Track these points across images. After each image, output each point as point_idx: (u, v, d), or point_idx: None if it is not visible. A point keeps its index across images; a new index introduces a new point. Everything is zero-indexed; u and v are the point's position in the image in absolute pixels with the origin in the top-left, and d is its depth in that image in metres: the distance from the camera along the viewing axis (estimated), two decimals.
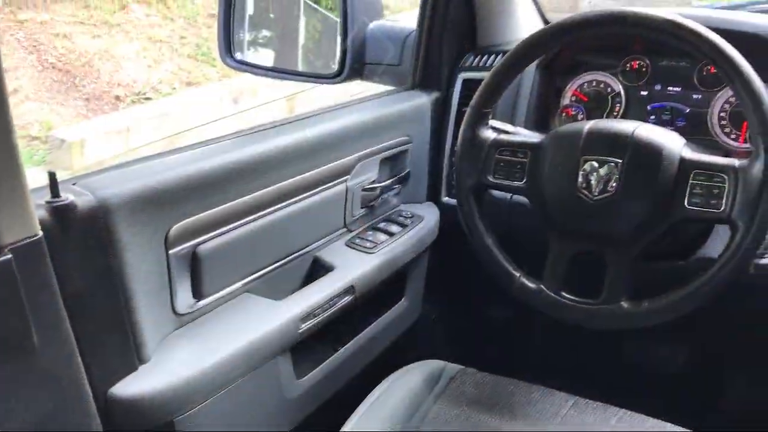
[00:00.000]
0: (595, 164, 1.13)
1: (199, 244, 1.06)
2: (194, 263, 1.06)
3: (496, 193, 1.36)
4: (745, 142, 1.35)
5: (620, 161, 1.11)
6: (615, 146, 1.13)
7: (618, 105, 1.47)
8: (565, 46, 1.45)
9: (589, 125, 1.17)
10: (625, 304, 1.11)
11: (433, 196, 1.62)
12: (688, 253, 1.31)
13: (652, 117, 1.45)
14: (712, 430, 1.58)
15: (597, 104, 1.49)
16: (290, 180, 1.20)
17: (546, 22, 1.71)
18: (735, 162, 1.06)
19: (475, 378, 1.29)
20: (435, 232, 1.56)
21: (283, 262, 1.24)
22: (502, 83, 1.22)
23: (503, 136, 1.25)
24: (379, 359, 1.47)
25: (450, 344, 1.79)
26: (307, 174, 1.24)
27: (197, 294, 1.09)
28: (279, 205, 1.20)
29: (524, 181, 1.21)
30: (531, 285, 1.19)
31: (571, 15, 1.16)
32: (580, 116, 1.50)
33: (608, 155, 1.12)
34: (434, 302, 1.70)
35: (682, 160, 1.10)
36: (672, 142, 1.12)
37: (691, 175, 1.08)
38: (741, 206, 1.03)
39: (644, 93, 1.46)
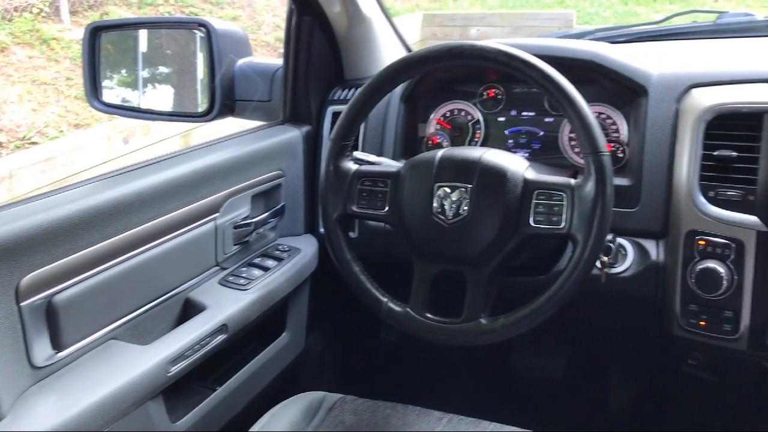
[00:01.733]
0: (448, 190, 1.19)
1: (55, 293, 1.04)
2: (51, 313, 1.04)
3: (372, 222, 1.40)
4: None
5: (470, 186, 1.17)
6: (464, 172, 1.19)
7: (478, 131, 1.55)
8: (425, 76, 1.52)
9: (440, 153, 1.23)
10: (483, 321, 1.17)
11: (311, 228, 1.64)
12: (548, 267, 1.39)
13: (510, 141, 1.53)
14: None
15: (459, 132, 1.56)
16: (153, 222, 1.20)
17: (410, 51, 1.78)
18: (571, 181, 1.14)
19: (354, 405, 1.31)
20: (314, 264, 1.58)
21: (151, 305, 1.23)
22: (358, 117, 1.27)
23: (365, 167, 1.29)
24: (262, 395, 1.47)
25: (336, 374, 1.80)
26: (173, 214, 1.24)
27: (57, 345, 1.06)
28: (143, 248, 1.19)
29: (386, 209, 1.25)
30: (398, 309, 1.22)
31: (415, 51, 1.23)
32: (444, 144, 1.57)
33: (459, 181, 1.18)
34: (319, 333, 1.71)
35: (526, 181, 1.17)
36: (516, 165, 1.19)
37: (534, 195, 1.15)
38: (578, 221, 1.11)
39: (502, 119, 1.54)
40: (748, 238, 1.20)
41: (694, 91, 1.30)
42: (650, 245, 1.33)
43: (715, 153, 1.23)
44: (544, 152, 1.49)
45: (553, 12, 8.51)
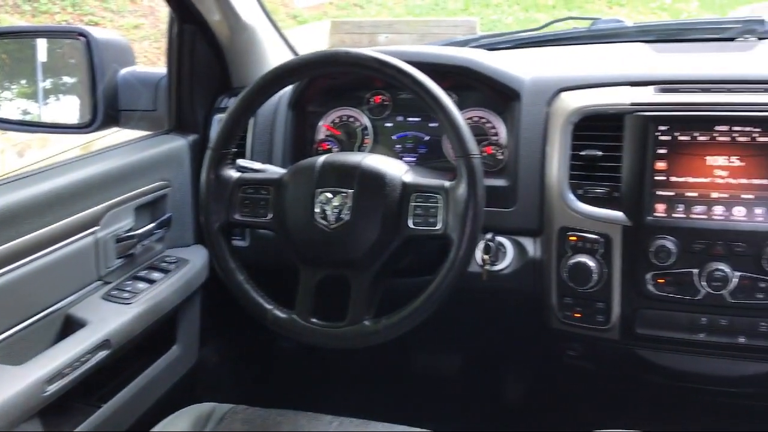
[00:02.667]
0: (329, 195, 1.20)
1: None
2: None
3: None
4: None
5: (351, 190, 1.19)
6: (345, 177, 1.20)
7: (367, 137, 1.57)
8: (312, 82, 1.53)
9: (322, 159, 1.24)
10: (367, 323, 1.18)
11: (201, 239, 1.62)
12: (435, 267, 1.42)
13: (398, 146, 1.56)
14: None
15: (348, 138, 1.58)
16: (27, 237, 1.16)
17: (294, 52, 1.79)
18: (445, 183, 1.17)
19: (244, 415, 1.30)
20: (204, 274, 1.56)
21: (27, 323, 1.19)
22: (237, 125, 1.26)
23: (247, 175, 1.29)
24: (153, 410, 1.44)
25: (233, 385, 1.78)
26: (48, 228, 1.20)
27: None
28: (15, 264, 1.14)
29: (269, 216, 1.25)
30: (283, 316, 1.23)
31: (290, 59, 1.24)
32: (334, 150, 1.58)
33: (340, 186, 1.20)
34: (214, 344, 1.69)
35: (404, 185, 1.20)
36: (394, 169, 1.21)
37: (412, 198, 1.18)
38: (453, 222, 1.14)
39: (389, 124, 1.57)
40: (615, 232, 1.26)
41: (563, 94, 1.37)
42: (528, 242, 1.39)
43: (583, 153, 1.30)
44: (431, 156, 1.53)
45: (458, 19, 8.69)
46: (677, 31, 1.78)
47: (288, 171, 1.27)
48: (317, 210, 1.20)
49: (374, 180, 1.20)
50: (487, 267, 1.35)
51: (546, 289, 1.36)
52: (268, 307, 1.24)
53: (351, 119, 1.58)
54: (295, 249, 1.23)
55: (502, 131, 1.47)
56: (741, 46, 1.60)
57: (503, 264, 1.38)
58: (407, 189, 1.19)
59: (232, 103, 1.61)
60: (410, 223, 1.18)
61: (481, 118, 1.49)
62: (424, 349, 1.83)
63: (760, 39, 1.62)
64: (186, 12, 1.52)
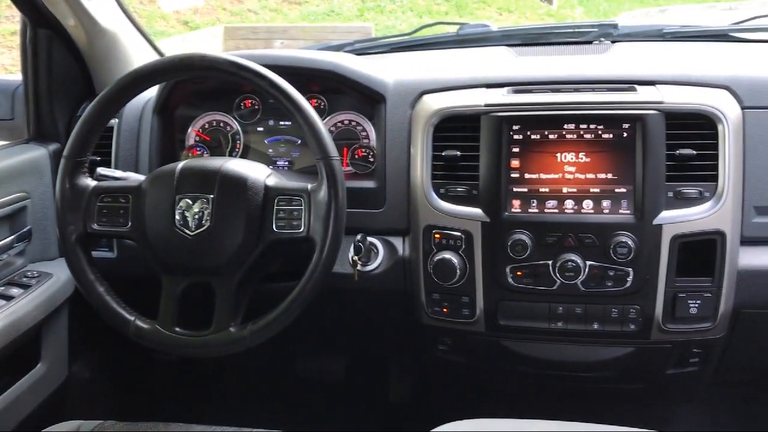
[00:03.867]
0: (189, 201, 1.18)
1: None
2: None
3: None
4: (348, 165, 1.51)
5: (211, 196, 1.18)
6: (205, 182, 1.19)
7: (238, 142, 1.56)
8: (177, 87, 1.50)
9: (181, 165, 1.22)
10: (233, 329, 1.18)
11: None
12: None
13: (271, 150, 1.55)
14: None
15: (219, 143, 1.56)
16: None
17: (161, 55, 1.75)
18: (308, 186, 1.18)
19: (112, 430, 1.26)
20: (70, 288, 1.50)
21: None
22: (92, 133, 1.22)
23: (104, 183, 1.25)
24: (19, 430, 1.37)
25: (107, 400, 1.73)
26: None
27: None
28: None
29: (128, 225, 1.22)
30: (146, 326, 1.20)
31: (145, 63, 1.21)
32: (205, 155, 1.56)
33: (200, 191, 1.18)
34: (86, 360, 1.63)
35: (267, 188, 1.19)
36: (257, 173, 1.21)
37: (276, 201, 1.19)
38: (315, 225, 1.16)
39: (261, 129, 1.56)
40: (475, 229, 1.31)
41: (425, 97, 1.40)
42: (398, 242, 1.41)
43: (443, 153, 1.34)
44: (304, 160, 1.54)
45: (352, 25, 8.74)
46: (539, 35, 1.86)
47: (146, 178, 1.24)
48: (177, 217, 1.18)
49: (235, 184, 1.19)
50: (359, 268, 1.37)
51: (415, 287, 1.39)
52: (130, 318, 1.21)
53: (221, 124, 1.56)
54: (157, 258, 1.21)
55: (372, 134, 1.49)
56: (596, 49, 1.69)
57: (375, 264, 1.40)
58: (270, 192, 1.19)
59: None
60: (274, 227, 1.18)
61: (352, 121, 1.51)
62: (305, 353, 1.83)
63: (614, 42, 1.72)
64: (39, 16, 1.46)
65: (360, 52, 1.79)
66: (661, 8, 12.71)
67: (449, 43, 1.82)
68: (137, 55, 1.66)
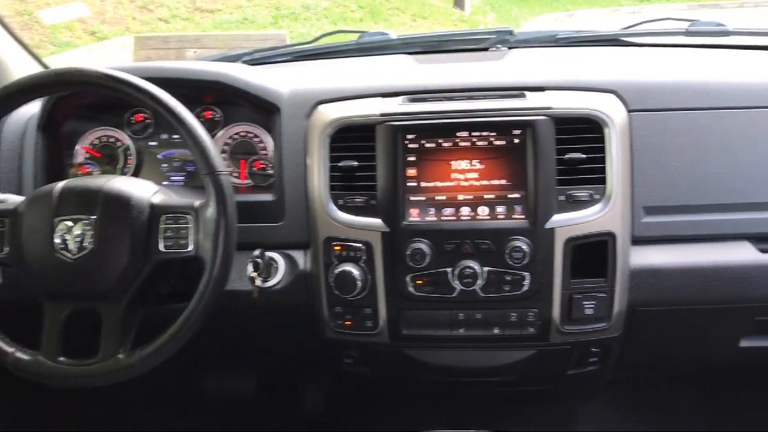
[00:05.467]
0: (69, 223, 1.12)
1: None
2: None
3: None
4: (246, 178, 1.48)
5: (93, 217, 1.13)
6: (87, 203, 1.14)
7: (130, 158, 1.49)
8: (62, 101, 1.43)
9: (61, 185, 1.16)
10: (121, 356, 1.12)
11: None
12: None
13: (165, 165, 1.50)
14: None
15: (110, 159, 1.50)
16: None
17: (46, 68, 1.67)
18: (194, 202, 1.14)
19: None
20: None
21: None
22: None
23: None
24: None
25: None
26: None
27: None
28: None
29: (5, 250, 1.15)
30: (27, 358, 1.13)
31: (18, 79, 1.15)
32: (96, 173, 1.49)
33: (81, 213, 1.13)
34: None
35: (152, 207, 1.15)
36: (142, 191, 1.16)
37: (162, 220, 1.14)
38: (204, 243, 1.12)
39: (153, 143, 1.50)
40: (375, 239, 1.30)
41: (321, 107, 1.39)
42: (299, 255, 1.39)
43: (340, 164, 1.32)
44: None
45: (267, 33, 8.66)
46: (439, 42, 1.87)
47: (24, 200, 1.18)
48: (57, 240, 1.12)
49: (119, 204, 1.14)
50: (259, 284, 1.33)
51: (317, 301, 1.36)
52: (9, 350, 1.14)
53: (112, 140, 1.50)
54: (37, 283, 1.14)
55: (269, 146, 1.46)
56: (493, 55, 1.71)
57: (275, 279, 1.37)
58: (155, 211, 1.15)
59: None
60: (161, 247, 1.14)
61: (248, 133, 1.48)
62: (212, 372, 1.78)
63: (511, 48, 1.75)
64: None
65: (258, 62, 1.76)
66: (570, 12, 13.16)
67: (349, 51, 1.81)
68: (19, 71, 1.57)
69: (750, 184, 1.33)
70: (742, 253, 1.33)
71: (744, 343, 1.45)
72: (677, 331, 1.44)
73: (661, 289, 1.34)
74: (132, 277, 1.13)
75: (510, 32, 1.77)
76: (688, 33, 1.74)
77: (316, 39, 1.90)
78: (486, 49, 1.76)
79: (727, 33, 1.70)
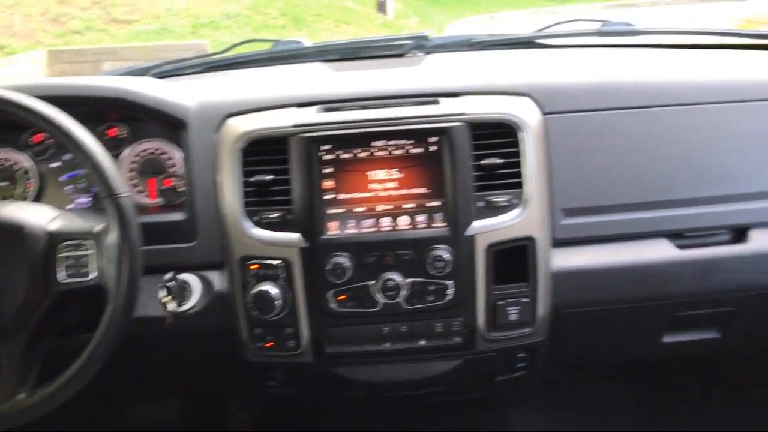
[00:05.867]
0: None
1: None
2: None
3: None
4: (157, 197, 1.41)
5: None
6: None
7: (30, 181, 1.40)
8: None
9: None
10: (22, 396, 1.04)
11: None
12: None
13: (69, 187, 1.41)
14: None
15: (10, 183, 1.40)
16: None
17: None
18: (94, 227, 1.07)
19: None
20: None
21: None
22: None
23: None
24: None
25: None
26: None
27: None
28: None
29: None
30: None
31: None
32: None
33: None
34: None
35: (49, 234, 1.07)
36: (37, 218, 1.09)
37: (60, 247, 1.07)
38: (106, 271, 1.05)
39: (56, 165, 1.42)
40: (294, 255, 1.25)
41: (231, 119, 1.33)
42: (214, 276, 1.33)
43: (254, 178, 1.27)
44: None
45: (187, 43, 8.48)
46: (354, 49, 1.84)
47: None
48: None
49: (12, 233, 1.06)
50: (171, 309, 1.27)
51: (236, 323, 1.30)
52: None
53: (9, 162, 1.40)
54: None
55: (179, 162, 1.40)
56: (411, 61, 1.69)
57: (190, 303, 1.31)
58: (53, 239, 1.07)
59: None
60: (61, 277, 1.07)
61: (157, 149, 1.41)
62: (132, 401, 1.69)
63: (428, 53, 1.73)
64: None
65: (168, 75, 1.69)
66: (491, 14, 13.41)
67: (263, 61, 1.76)
68: None
69: (665, 181, 1.34)
70: (661, 251, 1.35)
71: (667, 339, 1.47)
72: (602, 331, 1.45)
73: (584, 291, 1.34)
74: (30, 311, 1.06)
75: (425, 38, 1.75)
76: (600, 33, 1.77)
77: (228, 49, 1.84)
78: (402, 55, 1.74)
79: (636, 32, 1.73)
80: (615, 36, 1.75)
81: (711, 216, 1.35)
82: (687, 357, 1.61)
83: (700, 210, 1.35)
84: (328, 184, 1.25)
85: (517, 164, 1.27)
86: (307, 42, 1.82)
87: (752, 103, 1.37)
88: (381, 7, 10.99)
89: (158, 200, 1.41)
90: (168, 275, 1.27)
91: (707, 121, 1.36)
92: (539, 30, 1.84)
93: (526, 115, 1.30)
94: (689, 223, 1.36)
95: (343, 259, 1.23)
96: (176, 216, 1.33)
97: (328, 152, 1.25)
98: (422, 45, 1.75)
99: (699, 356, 1.62)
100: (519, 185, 1.27)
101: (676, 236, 1.36)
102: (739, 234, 1.37)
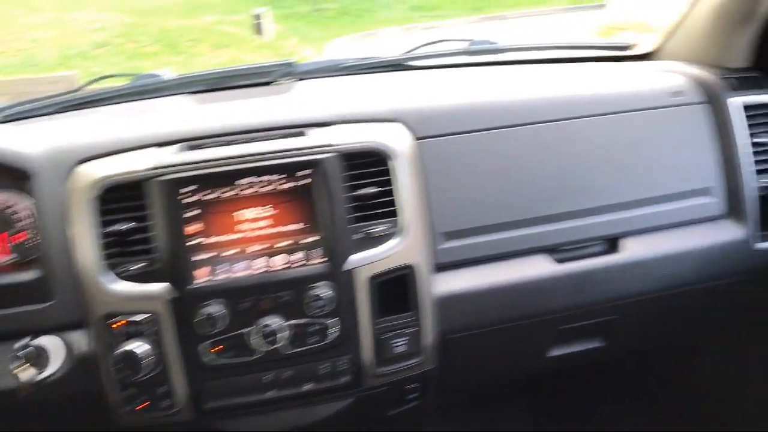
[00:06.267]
0: None
1: None
2: None
3: None
4: (8, 253, 1.27)
5: None
6: None
7: None
8: None
9: None
10: None
11: None
12: None
13: None
14: None
15: None
16: None
17: None
18: None
19: None
20: None
21: None
22: None
23: None
24: None
25: None
26: None
27: None
28: None
29: None
30: None
31: None
32: None
33: None
34: None
35: None
36: None
37: None
38: None
39: None
40: (162, 308, 1.16)
41: (83, 166, 1.23)
42: (76, 337, 1.21)
43: (112, 228, 1.17)
44: None
45: (55, 75, 8.03)
46: (220, 79, 1.76)
47: None
48: None
49: None
50: (27, 379, 1.14)
51: (106, 386, 1.20)
52: None
53: None
54: None
55: (29, 216, 1.27)
56: (279, 89, 1.63)
57: (51, 369, 1.19)
58: None
59: None
60: None
61: (4, 203, 1.28)
62: None
63: (298, 80, 1.68)
64: None
65: (16, 118, 1.55)
66: (369, 32, 13.55)
67: (121, 97, 1.65)
68: None
69: (539, 198, 1.35)
70: (541, 267, 1.36)
71: (552, 353, 1.48)
72: (489, 352, 1.44)
73: (469, 314, 1.32)
74: None
75: (291, 64, 1.70)
76: (467, 52, 1.78)
77: (82, 87, 1.71)
78: (270, 83, 1.68)
79: (501, 50, 1.75)
80: (481, 54, 1.76)
81: (586, 228, 1.38)
82: (573, 366, 1.63)
83: (576, 223, 1.37)
84: (194, 228, 1.17)
85: (392, 192, 1.24)
86: (170, 74, 1.73)
87: (613, 116, 1.41)
88: (258, 29, 10.85)
89: (10, 257, 1.28)
90: (22, 342, 1.15)
91: (573, 136, 1.38)
92: (408, 52, 1.83)
93: (398, 141, 1.27)
94: (566, 237, 1.37)
95: (215, 308, 1.16)
96: (30, 274, 1.21)
97: (191, 194, 1.17)
98: (291, 72, 1.69)
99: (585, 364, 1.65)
100: (396, 213, 1.24)
101: (555, 251, 1.38)
102: (611, 244, 1.40)
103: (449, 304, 1.30)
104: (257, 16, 11.07)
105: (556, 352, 1.48)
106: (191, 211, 1.17)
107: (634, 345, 1.65)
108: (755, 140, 1.44)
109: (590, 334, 1.48)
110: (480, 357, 1.44)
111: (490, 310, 1.34)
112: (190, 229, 1.17)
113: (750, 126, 1.44)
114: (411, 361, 1.27)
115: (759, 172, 1.43)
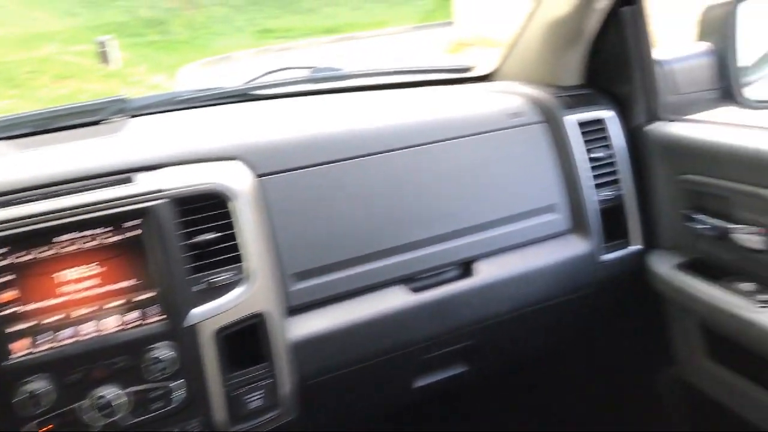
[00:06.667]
0: None
1: None
2: None
3: None
4: None
5: None
6: None
7: None
8: None
9: None
10: None
11: None
12: None
13: None
14: None
15: None
16: None
17: None
18: None
19: None
20: None
21: None
22: None
23: None
24: None
25: None
26: None
27: None
28: None
29: None
30: None
31: None
32: None
33: None
34: None
35: None
36: None
37: None
38: None
39: None
40: None
41: None
42: None
43: None
44: None
45: None
46: (45, 120, 1.59)
47: None
48: None
49: None
50: None
51: None
52: None
53: None
54: None
55: None
56: (109, 129, 1.50)
57: None
58: None
59: None
60: None
61: None
62: None
63: (132, 116, 1.55)
64: None
65: None
66: (224, 55, 13.27)
67: None
68: None
69: (390, 228, 1.32)
70: (397, 298, 1.32)
71: (418, 383, 1.45)
72: (353, 391, 1.39)
73: (327, 356, 1.26)
74: None
75: (123, 100, 1.57)
76: (311, 80, 1.73)
77: None
78: (100, 123, 1.54)
79: (344, 77, 1.72)
80: (325, 82, 1.72)
81: (439, 255, 1.36)
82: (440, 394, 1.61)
83: (429, 250, 1.35)
84: (7, 295, 1.04)
85: (234, 236, 1.16)
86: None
87: (457, 140, 1.40)
88: (104, 58, 10.32)
89: None
90: None
91: (420, 163, 1.36)
92: (250, 81, 1.75)
93: (237, 181, 1.20)
94: (421, 265, 1.35)
95: (38, 384, 1.03)
96: None
97: (2, 257, 1.04)
98: (123, 108, 1.57)
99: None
100: (240, 259, 1.16)
101: (411, 280, 1.35)
102: (465, 268, 1.39)
103: (306, 348, 1.23)
104: (102, 44, 10.53)
105: (422, 382, 1.45)
106: (3, 276, 1.04)
107: (497, 367, 1.65)
108: (592, 155, 1.48)
109: (453, 360, 1.46)
110: (344, 398, 1.38)
111: (349, 349, 1.28)
112: (3, 297, 1.03)
113: (586, 142, 1.48)
114: (269, 415, 1.19)
115: (598, 186, 1.48)
